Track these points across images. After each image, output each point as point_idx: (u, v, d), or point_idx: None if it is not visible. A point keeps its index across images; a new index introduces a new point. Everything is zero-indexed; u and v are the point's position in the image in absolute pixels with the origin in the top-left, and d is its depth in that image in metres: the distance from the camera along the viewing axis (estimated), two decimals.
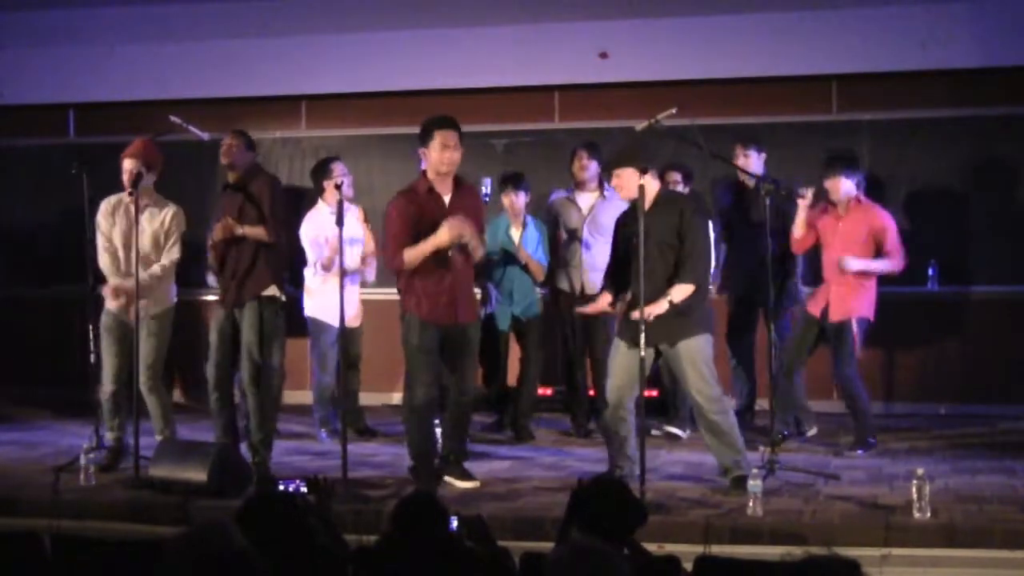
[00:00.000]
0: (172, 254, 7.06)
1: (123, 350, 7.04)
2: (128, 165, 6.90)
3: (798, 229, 7.26)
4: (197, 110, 8.30)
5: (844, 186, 7.17)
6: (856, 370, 7.19)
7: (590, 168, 7.76)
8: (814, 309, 7.27)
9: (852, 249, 7.13)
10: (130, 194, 6.77)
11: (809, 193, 7.16)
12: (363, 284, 8.03)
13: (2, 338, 9.88)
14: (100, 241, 7.12)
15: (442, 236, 6.26)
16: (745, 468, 6.14)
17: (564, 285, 7.85)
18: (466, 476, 6.53)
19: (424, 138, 6.39)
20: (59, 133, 9.93)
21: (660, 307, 6.07)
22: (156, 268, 6.99)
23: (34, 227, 9.75)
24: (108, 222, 7.10)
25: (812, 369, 7.68)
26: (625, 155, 6.29)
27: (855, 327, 7.10)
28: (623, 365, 6.25)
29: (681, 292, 6.14)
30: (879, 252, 7.17)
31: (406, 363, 6.52)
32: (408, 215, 6.36)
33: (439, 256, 6.35)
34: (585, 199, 7.82)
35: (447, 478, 6.52)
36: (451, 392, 6.58)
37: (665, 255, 6.19)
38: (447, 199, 6.41)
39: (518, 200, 7.80)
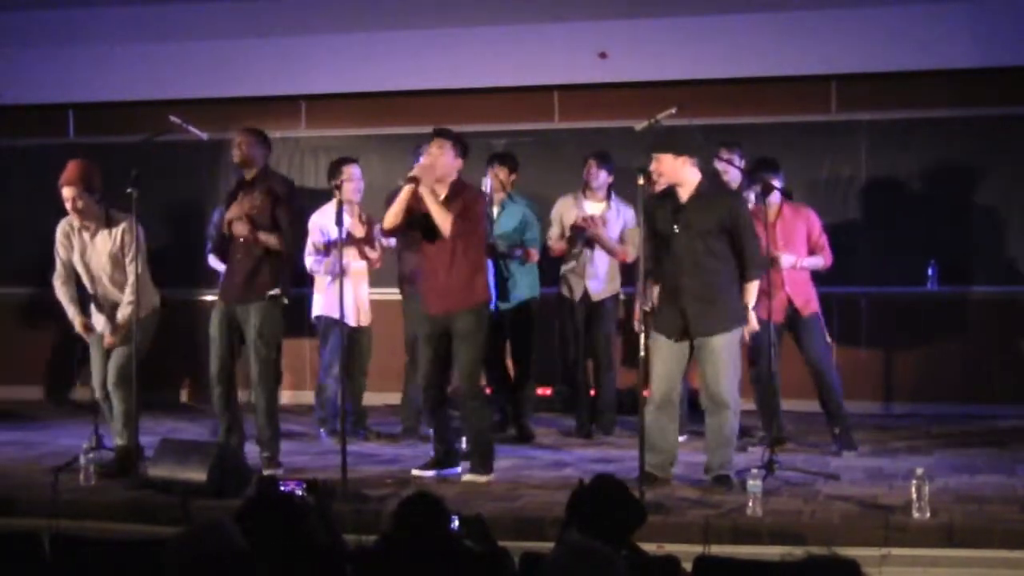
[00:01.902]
0: (132, 272, 6.76)
1: (106, 360, 7.00)
2: (68, 193, 6.74)
3: None
4: (197, 110, 8.30)
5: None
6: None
7: (599, 177, 7.74)
8: (775, 315, 6.94)
9: (789, 250, 7.11)
10: (131, 190, 6.69)
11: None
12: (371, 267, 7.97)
13: (1, 338, 9.88)
14: (57, 267, 6.95)
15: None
16: (730, 469, 6.17)
17: (566, 290, 7.84)
18: (474, 470, 6.61)
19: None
20: (59, 133, 9.93)
21: (753, 322, 6.33)
22: (128, 300, 6.76)
23: (33, 227, 9.74)
24: (65, 248, 6.94)
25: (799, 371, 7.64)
26: (664, 141, 6.29)
27: (821, 316, 7.21)
28: (668, 356, 6.24)
29: (754, 291, 6.29)
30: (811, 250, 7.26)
31: None
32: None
33: (427, 246, 6.54)
34: (592, 207, 7.79)
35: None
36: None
37: (711, 247, 6.18)
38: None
39: (498, 175, 7.80)
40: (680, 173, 6.22)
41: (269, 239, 6.82)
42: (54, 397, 9.38)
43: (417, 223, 6.55)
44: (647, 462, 6.09)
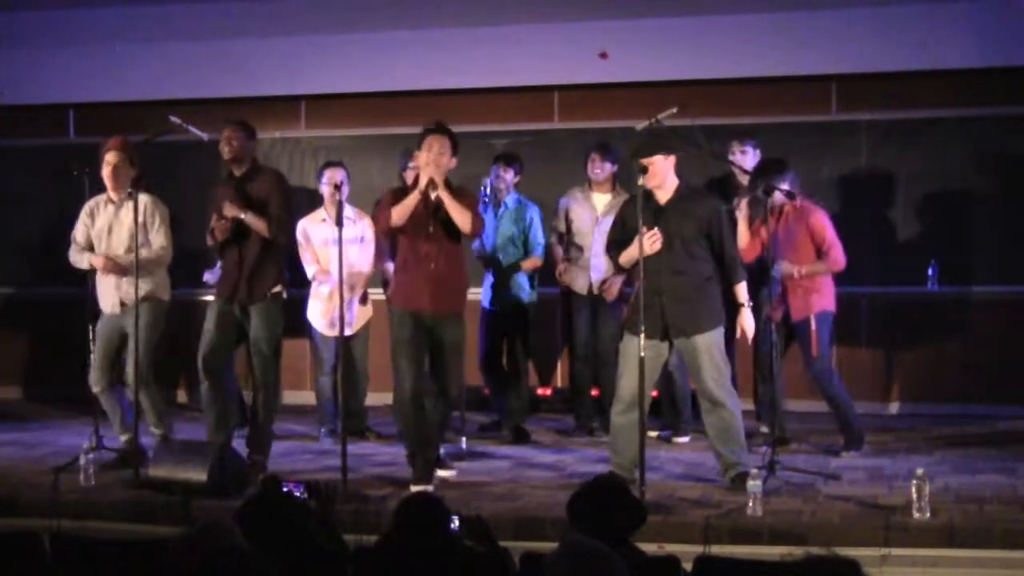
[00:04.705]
0: (160, 239, 6.99)
1: (110, 351, 7.05)
2: (112, 158, 6.91)
3: (741, 240, 7.02)
4: (197, 110, 8.29)
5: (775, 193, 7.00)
6: (829, 364, 7.14)
7: (605, 169, 7.74)
8: (775, 315, 7.10)
9: (790, 254, 7.05)
10: (134, 187, 6.70)
11: (743, 203, 7.09)
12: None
13: (2, 338, 9.88)
14: (76, 240, 7.09)
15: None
16: (746, 465, 6.15)
17: (573, 285, 7.84)
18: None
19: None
20: (59, 133, 9.93)
21: (750, 320, 6.32)
22: (147, 251, 6.91)
23: (34, 227, 9.75)
24: (87, 226, 7.08)
25: (801, 371, 7.64)
26: (651, 144, 6.27)
27: (814, 323, 7.02)
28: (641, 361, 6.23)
29: (744, 291, 6.31)
30: (819, 252, 7.09)
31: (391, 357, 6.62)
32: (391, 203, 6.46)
33: (416, 242, 6.40)
34: (599, 200, 7.79)
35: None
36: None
37: (692, 251, 6.19)
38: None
39: (504, 176, 7.79)
40: (668, 174, 6.22)
41: (257, 222, 6.73)
42: (52, 397, 9.37)
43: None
44: (612, 461, 6.19)
